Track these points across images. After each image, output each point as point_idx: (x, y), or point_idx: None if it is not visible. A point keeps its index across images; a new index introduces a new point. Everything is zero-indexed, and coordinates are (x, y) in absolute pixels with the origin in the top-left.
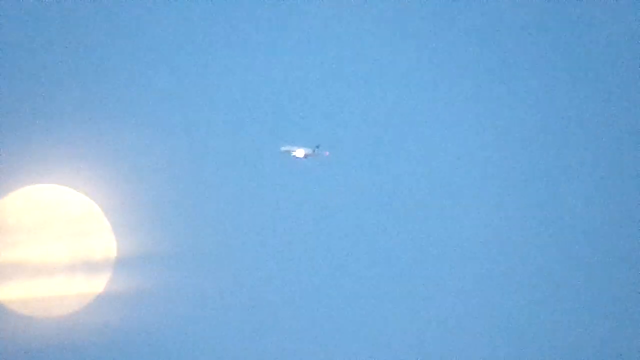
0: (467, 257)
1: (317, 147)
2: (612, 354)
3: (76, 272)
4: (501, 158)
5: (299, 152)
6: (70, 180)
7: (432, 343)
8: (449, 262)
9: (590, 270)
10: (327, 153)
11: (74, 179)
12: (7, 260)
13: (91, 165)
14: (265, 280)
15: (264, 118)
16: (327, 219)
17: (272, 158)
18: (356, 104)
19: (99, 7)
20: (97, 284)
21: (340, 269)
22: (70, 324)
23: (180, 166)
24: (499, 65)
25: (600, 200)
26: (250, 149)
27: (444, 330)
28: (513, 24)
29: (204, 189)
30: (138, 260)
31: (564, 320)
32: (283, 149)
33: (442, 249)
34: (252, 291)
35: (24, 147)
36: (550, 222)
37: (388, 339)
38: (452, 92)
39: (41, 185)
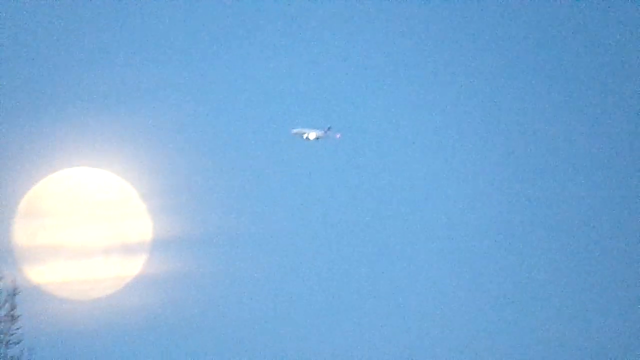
0: (477, 236)
1: (329, 128)
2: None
3: (114, 254)
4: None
5: (311, 134)
6: (108, 164)
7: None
8: (462, 238)
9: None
10: (339, 135)
11: (112, 163)
12: (46, 243)
13: (129, 150)
14: (297, 261)
15: (277, 101)
16: (341, 199)
17: (285, 140)
18: (368, 87)
19: None
20: (134, 266)
21: (359, 248)
22: (108, 305)
23: (208, 151)
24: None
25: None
26: (266, 133)
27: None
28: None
29: (232, 173)
30: (173, 243)
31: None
32: (294, 131)
33: (456, 227)
34: (283, 273)
35: (63, 132)
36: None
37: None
38: (470, 75)
39: (79, 168)
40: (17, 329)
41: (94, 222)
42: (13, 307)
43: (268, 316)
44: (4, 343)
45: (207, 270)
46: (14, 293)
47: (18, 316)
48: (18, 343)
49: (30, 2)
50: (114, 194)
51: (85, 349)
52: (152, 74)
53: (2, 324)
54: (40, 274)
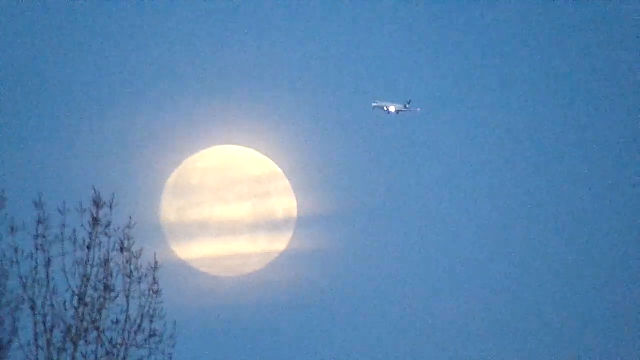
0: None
1: (409, 102)
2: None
3: (259, 231)
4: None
5: (391, 107)
6: (254, 142)
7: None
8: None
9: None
10: (419, 109)
11: (256, 141)
12: (193, 220)
13: (274, 129)
14: (437, 240)
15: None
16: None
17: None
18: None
19: None
20: (280, 243)
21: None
22: (254, 281)
23: (344, 126)
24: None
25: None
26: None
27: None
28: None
29: (368, 148)
30: (316, 219)
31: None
32: (375, 104)
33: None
34: (427, 247)
35: (210, 110)
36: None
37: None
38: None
39: (225, 146)
40: (160, 302)
41: (240, 199)
42: (155, 282)
43: (416, 290)
44: (147, 317)
45: (351, 246)
46: (154, 267)
47: (159, 290)
48: (162, 317)
49: None
50: (259, 171)
51: (231, 324)
52: (293, 59)
53: (145, 298)
54: (187, 250)
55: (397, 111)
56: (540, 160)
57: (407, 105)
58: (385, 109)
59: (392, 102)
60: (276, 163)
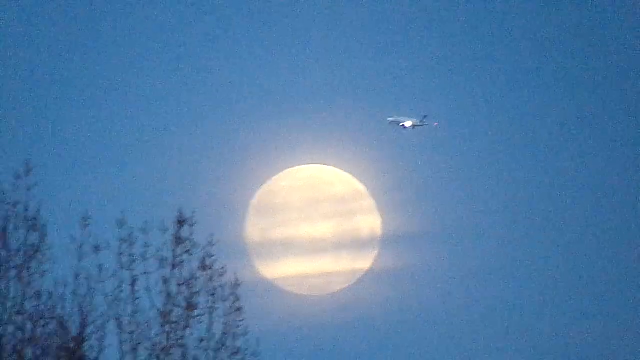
0: None
1: (425, 117)
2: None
3: (344, 250)
4: None
5: (407, 123)
6: (337, 161)
7: None
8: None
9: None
10: (436, 123)
11: (340, 161)
12: (278, 239)
13: (357, 147)
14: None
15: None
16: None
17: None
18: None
19: None
20: (365, 261)
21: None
22: (340, 300)
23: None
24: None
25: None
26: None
27: None
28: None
29: (451, 169)
30: (401, 238)
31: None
32: (391, 119)
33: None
34: (510, 267)
35: (293, 130)
36: None
37: None
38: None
39: (310, 165)
40: (242, 320)
41: (325, 218)
42: (236, 300)
43: (505, 310)
44: (230, 335)
45: (437, 265)
46: (236, 285)
47: (242, 308)
48: (244, 335)
49: None
50: (344, 190)
51: (316, 342)
52: (376, 78)
53: (228, 316)
54: (271, 269)
55: (413, 126)
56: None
57: (423, 120)
58: (401, 124)
59: (408, 117)
60: (360, 182)
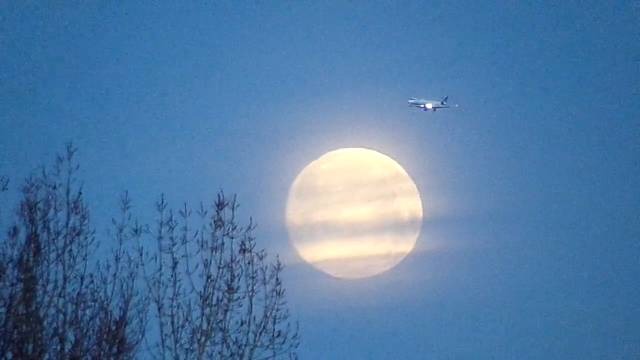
0: None
1: (446, 98)
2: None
3: (386, 233)
4: None
5: (428, 104)
6: (378, 144)
7: None
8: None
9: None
10: (457, 105)
11: (381, 144)
12: (318, 222)
13: (397, 131)
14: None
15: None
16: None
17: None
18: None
19: None
20: (406, 244)
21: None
22: (381, 283)
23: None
24: None
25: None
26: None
27: None
28: None
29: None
30: (442, 221)
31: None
32: (412, 101)
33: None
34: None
35: (334, 114)
36: None
37: None
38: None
39: (350, 149)
40: (283, 304)
41: (365, 201)
42: (278, 283)
43: (547, 293)
44: (271, 318)
45: (478, 248)
46: (278, 269)
47: (283, 291)
48: (285, 318)
49: None
50: (384, 173)
51: (356, 326)
52: (416, 61)
53: (269, 299)
54: (312, 253)
55: (434, 108)
56: None
57: (444, 102)
58: (422, 106)
59: (428, 99)
60: (401, 165)
